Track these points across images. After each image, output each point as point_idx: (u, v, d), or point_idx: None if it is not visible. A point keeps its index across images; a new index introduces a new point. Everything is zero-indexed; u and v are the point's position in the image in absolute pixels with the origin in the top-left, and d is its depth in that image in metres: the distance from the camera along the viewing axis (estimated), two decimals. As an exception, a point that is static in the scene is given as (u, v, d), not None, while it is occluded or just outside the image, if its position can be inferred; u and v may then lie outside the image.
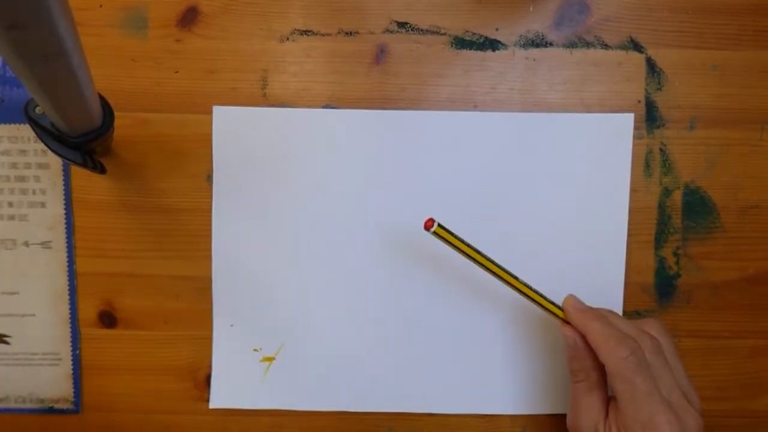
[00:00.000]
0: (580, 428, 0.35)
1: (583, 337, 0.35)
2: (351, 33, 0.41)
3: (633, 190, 0.41)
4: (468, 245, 0.34)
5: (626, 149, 0.41)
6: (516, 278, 0.36)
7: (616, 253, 0.41)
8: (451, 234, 0.34)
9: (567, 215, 0.41)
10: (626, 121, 0.41)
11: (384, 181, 0.41)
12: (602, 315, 0.35)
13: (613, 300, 0.41)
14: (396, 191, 0.41)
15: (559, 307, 0.37)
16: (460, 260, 0.41)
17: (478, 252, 0.35)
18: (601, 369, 0.35)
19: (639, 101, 0.41)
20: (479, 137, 0.41)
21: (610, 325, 0.34)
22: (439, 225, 0.33)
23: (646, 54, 0.41)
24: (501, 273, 0.35)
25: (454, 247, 0.34)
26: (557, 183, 0.41)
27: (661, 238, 0.41)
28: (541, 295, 0.36)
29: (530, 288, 0.36)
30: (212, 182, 0.41)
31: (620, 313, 0.41)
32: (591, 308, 0.36)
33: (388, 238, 0.41)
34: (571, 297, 0.37)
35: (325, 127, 0.41)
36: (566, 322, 0.36)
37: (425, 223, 0.33)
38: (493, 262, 0.35)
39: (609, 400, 0.35)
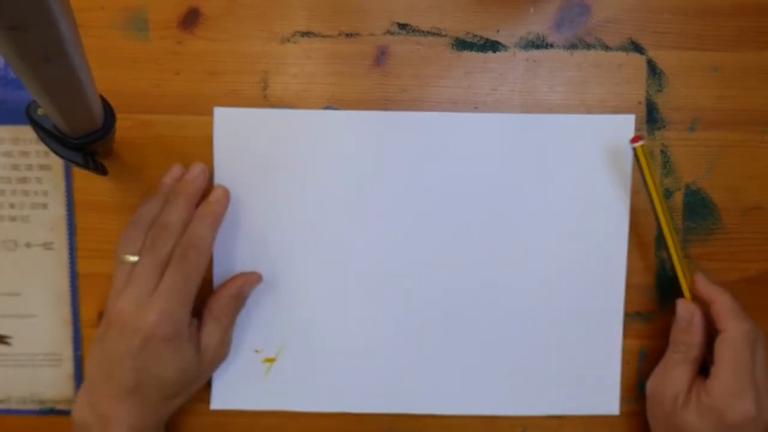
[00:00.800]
0: (661, 393, 0.38)
1: (700, 314, 0.37)
2: (352, 34, 0.41)
3: (634, 192, 0.41)
4: (654, 185, 0.37)
5: (627, 150, 0.41)
6: (675, 234, 0.38)
7: (617, 253, 0.41)
8: (647, 161, 0.37)
9: (568, 216, 0.41)
10: (627, 123, 0.41)
11: (384, 182, 0.41)
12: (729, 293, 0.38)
13: (614, 301, 0.41)
14: (396, 192, 0.41)
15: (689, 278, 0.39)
16: (458, 261, 0.41)
17: (659, 193, 0.37)
18: (701, 348, 0.37)
19: (640, 103, 0.41)
20: (480, 138, 0.41)
21: (736, 302, 0.37)
22: (641, 147, 0.37)
23: (647, 55, 0.41)
24: (666, 220, 0.38)
25: (641, 174, 0.37)
26: (558, 184, 0.41)
27: (661, 239, 0.41)
28: (685, 259, 0.38)
29: (681, 250, 0.38)
30: (213, 183, 0.41)
31: (621, 314, 0.41)
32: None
33: (388, 239, 0.41)
34: (702, 275, 0.39)
35: (325, 129, 0.41)
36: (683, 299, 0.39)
37: (634, 138, 0.37)
38: (665, 206, 0.38)
39: (694, 377, 0.37)
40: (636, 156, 0.37)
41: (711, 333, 0.38)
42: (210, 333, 0.38)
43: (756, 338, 0.36)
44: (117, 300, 0.35)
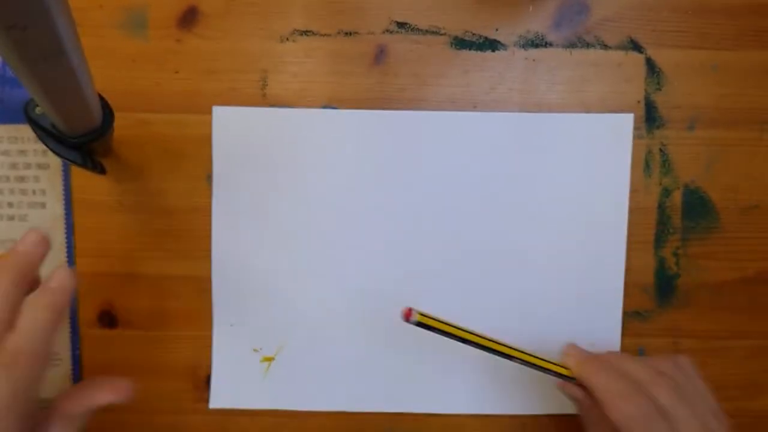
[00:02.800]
0: None
1: (584, 393, 0.34)
2: (351, 33, 0.41)
3: (633, 191, 0.41)
4: (454, 326, 0.31)
5: (626, 149, 0.41)
6: (511, 348, 0.34)
7: (615, 253, 0.41)
8: (434, 319, 0.30)
9: (567, 215, 0.41)
10: (626, 121, 0.41)
11: (383, 181, 0.41)
12: (608, 364, 0.33)
13: (613, 300, 0.41)
14: (395, 191, 0.41)
15: (561, 365, 0.35)
16: (457, 260, 0.41)
17: (467, 331, 0.32)
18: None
19: (639, 101, 0.41)
20: (479, 137, 0.41)
21: (617, 377, 0.32)
22: (421, 314, 0.29)
23: (646, 54, 0.41)
24: (494, 346, 0.33)
25: (440, 332, 0.31)
26: (557, 183, 0.41)
27: (660, 238, 0.41)
28: (542, 358, 0.35)
29: (528, 354, 0.34)
30: (212, 182, 0.41)
31: (620, 313, 0.41)
32: (596, 357, 0.35)
33: (387, 238, 0.41)
34: (572, 347, 0.36)
35: (324, 128, 0.41)
36: (569, 378, 0.35)
37: (404, 313, 0.29)
38: (484, 337, 0.33)
39: None
40: (420, 326, 0.30)
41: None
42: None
43: (652, 408, 0.31)
44: None
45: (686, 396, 0.32)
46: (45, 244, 0.30)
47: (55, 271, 0.29)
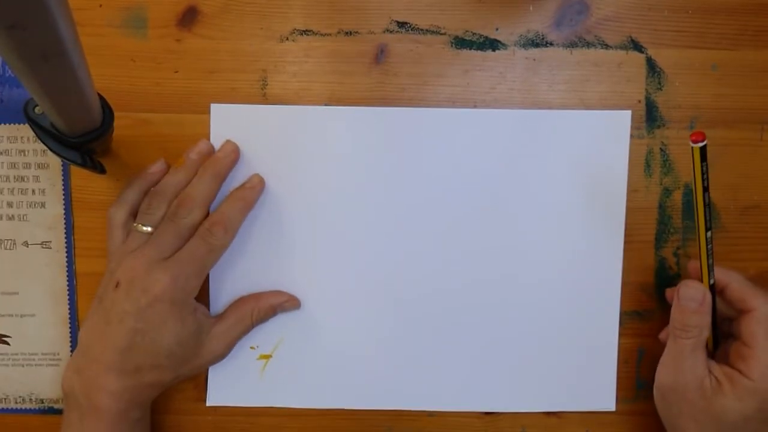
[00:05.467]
0: (681, 384, 0.35)
1: (710, 295, 0.36)
2: (351, 33, 0.41)
3: (633, 191, 0.41)
4: (704, 181, 0.34)
5: (623, 146, 0.41)
6: (708, 231, 0.35)
7: (613, 250, 0.41)
8: (703, 162, 0.34)
9: (565, 212, 0.41)
10: (623, 118, 0.41)
11: (383, 179, 0.41)
12: None
13: (611, 299, 0.41)
14: (394, 189, 0.41)
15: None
16: (455, 258, 0.41)
17: (706, 191, 0.35)
18: (709, 329, 0.36)
19: (639, 101, 0.41)
20: (478, 134, 0.41)
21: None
22: (702, 148, 0.33)
23: (647, 54, 0.41)
24: (701, 221, 0.35)
25: (694, 172, 0.34)
26: (555, 180, 0.41)
27: (661, 238, 0.41)
28: (709, 257, 0.36)
29: (708, 246, 0.35)
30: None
31: (618, 312, 0.41)
32: None
33: (385, 236, 0.41)
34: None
35: (324, 125, 0.41)
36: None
37: (696, 135, 0.33)
38: (707, 207, 0.35)
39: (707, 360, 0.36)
40: (693, 155, 0.33)
41: (722, 315, 0.37)
42: (229, 327, 0.39)
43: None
44: (128, 260, 0.36)
45: None
46: (237, 153, 0.40)
47: (250, 177, 0.40)
